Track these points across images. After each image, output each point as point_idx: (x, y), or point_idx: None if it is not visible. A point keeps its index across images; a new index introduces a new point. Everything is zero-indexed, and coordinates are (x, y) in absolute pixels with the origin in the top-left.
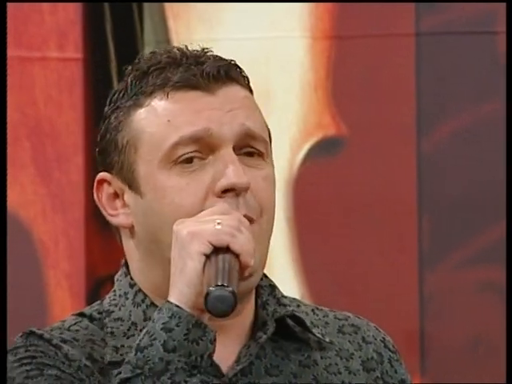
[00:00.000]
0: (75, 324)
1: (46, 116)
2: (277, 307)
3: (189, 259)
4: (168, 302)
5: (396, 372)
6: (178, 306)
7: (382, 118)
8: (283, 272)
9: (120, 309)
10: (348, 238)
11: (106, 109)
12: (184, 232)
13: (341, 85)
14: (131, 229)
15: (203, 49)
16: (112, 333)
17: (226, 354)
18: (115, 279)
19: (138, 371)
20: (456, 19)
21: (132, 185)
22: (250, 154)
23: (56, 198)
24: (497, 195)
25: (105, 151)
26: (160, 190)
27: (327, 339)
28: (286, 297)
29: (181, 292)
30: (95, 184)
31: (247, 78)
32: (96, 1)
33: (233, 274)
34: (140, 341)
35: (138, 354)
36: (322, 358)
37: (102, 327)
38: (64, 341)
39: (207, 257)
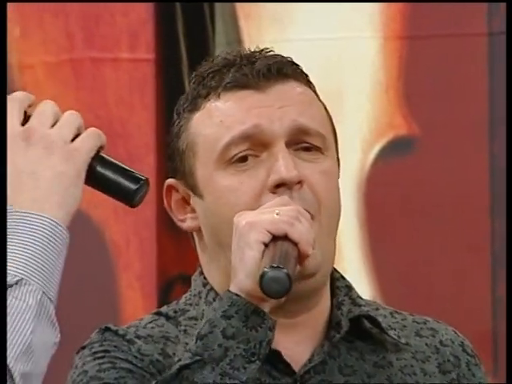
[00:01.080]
0: (152, 322)
1: (117, 117)
2: (352, 307)
3: (247, 248)
4: (228, 291)
5: (474, 376)
6: (237, 295)
7: (454, 118)
8: (355, 272)
9: (194, 308)
10: (419, 239)
11: (173, 116)
12: (243, 222)
13: (412, 85)
14: (199, 232)
15: (262, 49)
16: (185, 331)
17: (298, 352)
18: (192, 279)
19: (198, 358)
20: None
21: (194, 189)
22: (307, 149)
23: None
24: None
25: (171, 157)
26: (217, 191)
27: (403, 340)
28: (362, 298)
29: (240, 281)
30: (164, 191)
31: (305, 74)
32: (168, 0)
33: (289, 260)
34: (201, 329)
35: (198, 341)
36: (397, 359)
37: (177, 325)
38: (138, 337)
39: (266, 246)
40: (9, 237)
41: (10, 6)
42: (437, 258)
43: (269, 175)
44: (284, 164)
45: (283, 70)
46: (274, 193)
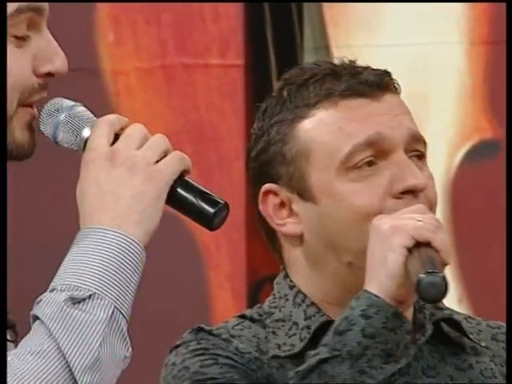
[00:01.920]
0: (238, 324)
1: (208, 121)
2: (434, 310)
3: (390, 252)
4: (366, 291)
5: None
6: (376, 296)
7: None
8: None
9: (280, 310)
10: (505, 243)
11: (260, 124)
12: (385, 226)
13: (497, 89)
14: (300, 237)
15: (350, 60)
16: (274, 332)
17: None
18: (275, 283)
19: (336, 353)
20: None
21: (304, 194)
22: (418, 156)
23: (213, 189)
24: None
25: (268, 164)
26: (337, 195)
27: (483, 344)
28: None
29: (380, 283)
30: (260, 195)
31: (399, 85)
32: (256, 1)
33: (439, 266)
34: (338, 325)
35: (336, 337)
36: (477, 362)
37: (264, 327)
38: (233, 336)
39: (408, 250)
40: (84, 253)
41: (104, 13)
42: None
43: (392, 181)
44: (413, 171)
45: (389, 81)
46: (398, 198)
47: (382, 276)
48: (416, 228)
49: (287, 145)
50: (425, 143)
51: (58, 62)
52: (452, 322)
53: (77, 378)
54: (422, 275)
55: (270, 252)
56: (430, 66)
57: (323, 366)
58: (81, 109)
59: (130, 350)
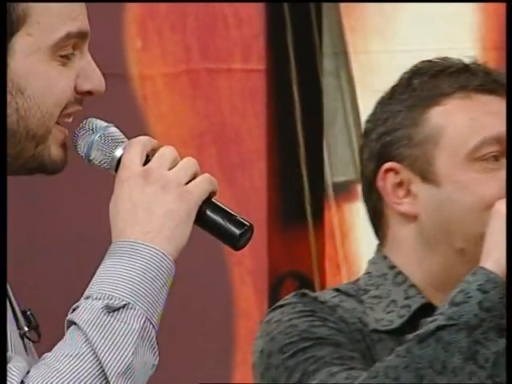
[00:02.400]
0: (335, 296)
1: (230, 123)
2: None
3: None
4: (482, 268)
5: None
6: (492, 272)
7: None
8: None
9: (377, 288)
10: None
11: (383, 110)
12: (504, 209)
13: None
14: (414, 218)
15: (476, 60)
16: (371, 308)
17: None
18: (369, 262)
19: (453, 322)
20: None
21: (426, 176)
22: None
23: (240, 200)
24: None
25: (394, 144)
26: (462, 182)
27: None
28: None
29: (497, 261)
30: (381, 173)
31: None
32: (277, 1)
33: None
34: (453, 297)
35: (453, 307)
36: None
37: (360, 302)
38: (336, 305)
39: None
40: (118, 264)
41: (131, 20)
42: None
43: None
44: None
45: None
46: None
47: (499, 255)
48: None
49: (415, 128)
50: None
51: (96, 81)
52: None
53: (111, 382)
54: None
55: (290, 249)
56: None
57: (440, 332)
58: (113, 129)
59: (158, 358)
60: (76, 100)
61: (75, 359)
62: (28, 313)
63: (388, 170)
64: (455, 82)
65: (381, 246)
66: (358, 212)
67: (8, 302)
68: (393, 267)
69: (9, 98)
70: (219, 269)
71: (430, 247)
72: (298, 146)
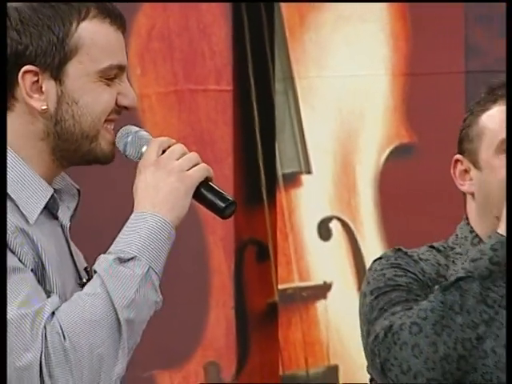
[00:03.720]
0: (427, 252)
1: (206, 130)
2: None
3: None
4: (497, 232)
5: None
6: (502, 235)
7: (443, 131)
8: (372, 238)
9: (460, 246)
10: (417, 215)
11: (464, 116)
12: None
13: (412, 108)
14: (473, 195)
15: None
16: (453, 261)
17: None
18: (459, 227)
19: (470, 274)
20: None
21: (476, 164)
22: None
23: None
24: None
25: (461, 141)
26: (494, 168)
27: None
28: None
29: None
30: (452, 162)
31: None
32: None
33: None
34: (473, 255)
35: (471, 263)
36: None
37: (446, 257)
38: (421, 259)
39: None
40: (132, 229)
41: (132, 53)
42: (429, 228)
43: None
44: None
45: None
46: None
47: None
48: None
49: (471, 128)
50: None
51: (131, 99)
52: None
53: (118, 313)
54: None
55: (251, 220)
56: (364, 92)
57: (459, 282)
58: (143, 133)
59: (161, 297)
60: (116, 111)
61: (92, 297)
62: (88, 269)
63: (456, 161)
64: (498, 93)
65: (466, 215)
66: (300, 195)
67: (71, 259)
68: (472, 231)
69: (65, 106)
70: (198, 237)
71: (483, 215)
72: (256, 147)
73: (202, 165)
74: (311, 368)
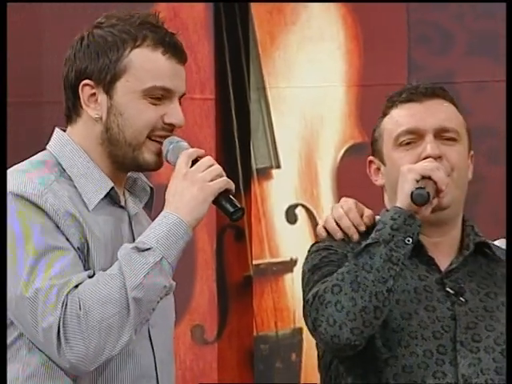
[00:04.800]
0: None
1: (193, 132)
2: (475, 237)
3: (406, 183)
4: (395, 206)
5: None
6: (399, 207)
7: None
8: None
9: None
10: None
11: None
12: (405, 168)
13: (365, 113)
14: (384, 186)
15: (428, 86)
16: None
17: (441, 260)
18: (380, 214)
19: (376, 240)
20: None
21: (382, 160)
22: (447, 139)
23: None
24: None
25: (371, 144)
26: (393, 160)
27: (502, 257)
28: (481, 234)
29: (402, 201)
30: (367, 164)
31: (450, 96)
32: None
33: (429, 187)
34: (378, 226)
35: (376, 232)
36: (500, 270)
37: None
38: (350, 240)
39: (417, 182)
40: (155, 224)
41: None
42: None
43: (421, 153)
44: (430, 147)
45: (435, 92)
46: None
47: (402, 197)
48: (422, 168)
49: (376, 131)
50: (456, 131)
51: (177, 119)
52: (485, 244)
53: (128, 292)
54: (415, 189)
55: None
56: (324, 100)
57: (368, 247)
58: (182, 143)
59: (171, 282)
60: (163, 129)
61: (109, 277)
62: None
63: (370, 162)
64: (395, 99)
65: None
66: (271, 186)
67: (132, 240)
68: (387, 210)
69: (113, 117)
70: None
71: (392, 202)
72: (234, 146)
73: (223, 178)
74: (280, 330)
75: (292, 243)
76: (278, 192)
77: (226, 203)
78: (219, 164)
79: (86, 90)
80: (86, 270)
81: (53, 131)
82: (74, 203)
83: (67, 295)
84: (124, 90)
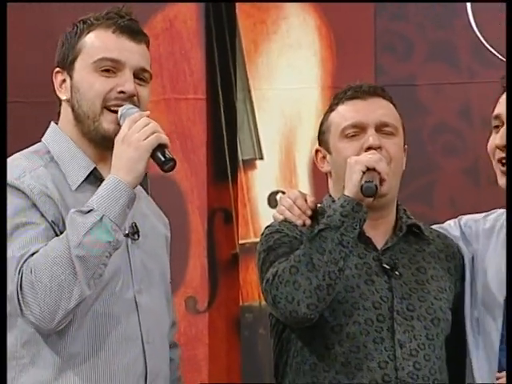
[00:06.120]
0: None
1: (187, 128)
2: (407, 220)
3: (354, 174)
4: (344, 194)
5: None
6: (348, 196)
7: None
8: None
9: (325, 212)
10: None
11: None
12: (353, 160)
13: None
14: (330, 173)
15: (370, 85)
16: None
17: (377, 240)
18: (324, 199)
19: (327, 225)
20: None
21: (328, 150)
22: (387, 132)
23: (192, 167)
24: None
25: (319, 135)
26: (338, 150)
27: (431, 237)
28: (412, 217)
29: (350, 190)
30: (314, 153)
31: (389, 95)
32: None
33: (375, 179)
34: (328, 212)
35: (327, 218)
36: (428, 248)
37: (317, 220)
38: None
39: (363, 172)
40: (99, 189)
41: None
42: None
43: (363, 144)
44: (372, 138)
45: (376, 91)
46: (366, 152)
47: (351, 186)
48: (367, 160)
49: (323, 124)
50: (394, 126)
51: (126, 86)
52: (416, 225)
53: (71, 251)
54: (364, 182)
55: (220, 192)
56: (302, 100)
57: (321, 232)
58: (132, 110)
59: (117, 237)
60: (118, 98)
61: (57, 241)
62: (134, 224)
63: (317, 151)
64: (341, 96)
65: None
66: (255, 175)
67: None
68: (333, 201)
69: (74, 95)
70: (180, 206)
71: (336, 188)
72: (223, 140)
73: (155, 135)
74: (263, 300)
75: None
76: (261, 180)
77: (160, 156)
78: (210, 155)
79: (57, 78)
80: None
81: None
82: (56, 184)
83: (23, 264)
84: (79, 67)
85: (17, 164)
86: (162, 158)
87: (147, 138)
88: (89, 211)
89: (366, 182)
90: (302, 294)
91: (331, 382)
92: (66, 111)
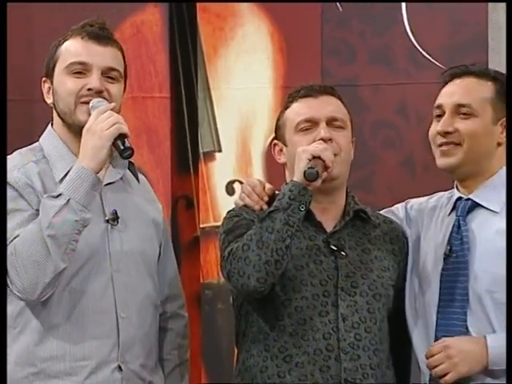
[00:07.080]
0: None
1: (153, 123)
2: (355, 205)
3: (301, 161)
4: (292, 180)
5: (406, 248)
6: (295, 182)
7: None
8: None
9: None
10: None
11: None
12: (300, 149)
13: None
14: (285, 164)
15: (320, 85)
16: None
17: (327, 224)
18: (281, 187)
19: (276, 208)
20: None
21: (285, 143)
22: (337, 126)
23: (157, 158)
24: None
25: (276, 129)
26: (292, 143)
27: (377, 222)
28: (360, 203)
29: (297, 176)
30: (272, 145)
31: (338, 94)
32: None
33: (319, 166)
34: (277, 199)
35: (277, 201)
36: (374, 232)
37: (269, 205)
38: (241, 209)
39: (309, 160)
40: (67, 176)
41: None
42: None
43: (316, 136)
44: (323, 131)
45: (326, 89)
46: (316, 142)
47: (298, 172)
48: (313, 150)
49: (280, 120)
50: (343, 120)
51: (92, 84)
52: (362, 211)
53: (43, 231)
54: (307, 168)
55: (183, 180)
56: (256, 98)
57: (270, 213)
58: (101, 103)
59: (82, 216)
60: (88, 94)
61: (33, 224)
62: (115, 211)
63: (274, 144)
64: (295, 94)
65: None
66: (214, 166)
67: (101, 203)
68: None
69: (54, 98)
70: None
71: (292, 177)
72: (185, 134)
73: (116, 126)
74: (221, 278)
75: None
76: (220, 170)
77: (120, 145)
78: (173, 148)
79: (44, 85)
80: None
81: (45, 128)
82: (42, 177)
83: (9, 245)
84: (57, 73)
85: (11, 160)
86: (122, 147)
87: (109, 128)
88: (58, 196)
89: (308, 168)
90: (252, 269)
91: (280, 350)
92: (54, 114)
